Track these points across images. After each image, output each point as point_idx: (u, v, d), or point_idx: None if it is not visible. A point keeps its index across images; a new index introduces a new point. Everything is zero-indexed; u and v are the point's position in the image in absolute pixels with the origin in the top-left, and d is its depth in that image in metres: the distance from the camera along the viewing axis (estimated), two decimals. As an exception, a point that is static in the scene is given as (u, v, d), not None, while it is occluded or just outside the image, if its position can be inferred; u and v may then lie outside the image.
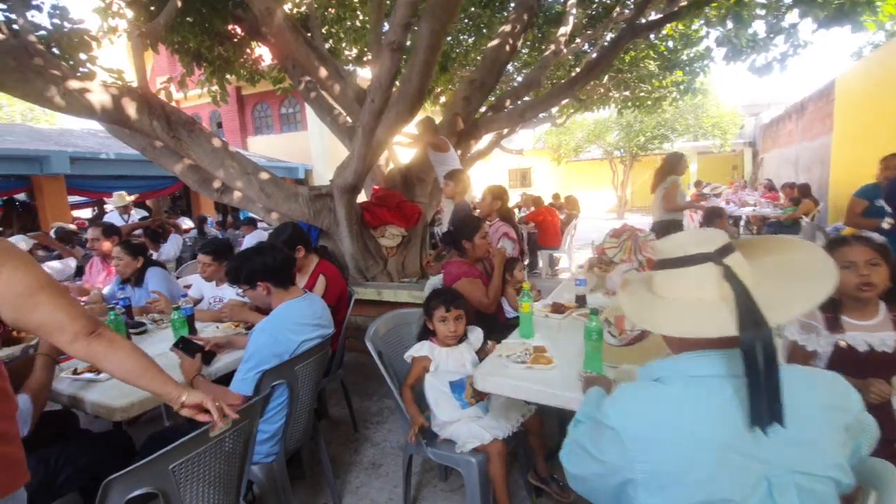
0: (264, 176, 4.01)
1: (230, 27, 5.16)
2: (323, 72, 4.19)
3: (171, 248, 5.15)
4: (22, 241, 4.03)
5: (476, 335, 1.98)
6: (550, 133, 18.11)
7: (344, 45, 6.74)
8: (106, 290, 3.16)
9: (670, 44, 7.81)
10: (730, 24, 5.59)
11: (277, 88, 6.49)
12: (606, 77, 8.41)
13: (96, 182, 8.44)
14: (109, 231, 3.36)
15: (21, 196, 8.26)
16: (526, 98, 6.16)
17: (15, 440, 1.02)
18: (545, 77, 6.57)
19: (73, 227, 6.58)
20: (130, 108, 3.43)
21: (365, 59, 6.58)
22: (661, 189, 4.72)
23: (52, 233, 5.80)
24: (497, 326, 2.48)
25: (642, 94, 9.28)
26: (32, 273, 1.02)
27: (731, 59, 5.89)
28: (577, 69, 7.44)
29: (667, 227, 4.57)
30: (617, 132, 17.00)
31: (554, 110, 9.43)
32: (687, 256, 0.89)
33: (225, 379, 1.86)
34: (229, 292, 2.80)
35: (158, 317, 2.60)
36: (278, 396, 1.71)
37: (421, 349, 1.94)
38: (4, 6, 3.79)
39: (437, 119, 5.06)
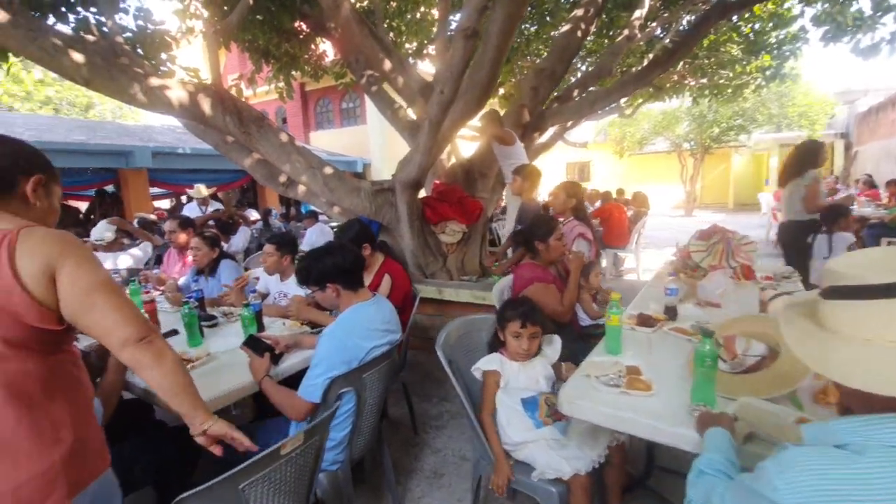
0: (328, 170, 4.02)
1: (297, 24, 5.26)
2: (387, 64, 4.12)
3: (239, 239, 5.35)
4: (106, 229, 4.29)
5: (553, 347, 1.80)
6: (614, 125, 17.25)
7: (404, 38, 6.68)
8: (181, 281, 3.27)
9: (756, 25, 7.08)
10: (827, 3, 4.96)
11: (339, 83, 6.55)
12: (681, 63, 7.79)
13: (175, 175, 9.00)
14: (185, 223, 3.49)
15: (109, 188, 8.97)
16: (592, 88, 5.81)
17: (94, 426, 1.05)
18: (616, 65, 6.17)
19: (153, 216, 7.02)
20: (205, 104, 3.53)
21: (425, 52, 6.49)
22: (799, 186, 3.99)
23: (134, 222, 6.21)
24: (571, 335, 2.28)
25: (722, 81, 8.52)
26: (94, 270, 0.99)
27: (831, 39, 5.23)
28: (650, 56, 6.94)
29: (804, 230, 4.04)
30: (687, 123, 15.86)
31: (622, 100, 8.90)
32: (884, 285, 0.68)
33: (292, 381, 1.81)
34: (293, 288, 2.80)
35: (229, 310, 2.63)
36: (346, 404, 1.64)
37: (490, 362, 1.79)
38: (95, 10, 4.03)
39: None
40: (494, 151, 4.32)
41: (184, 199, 10.26)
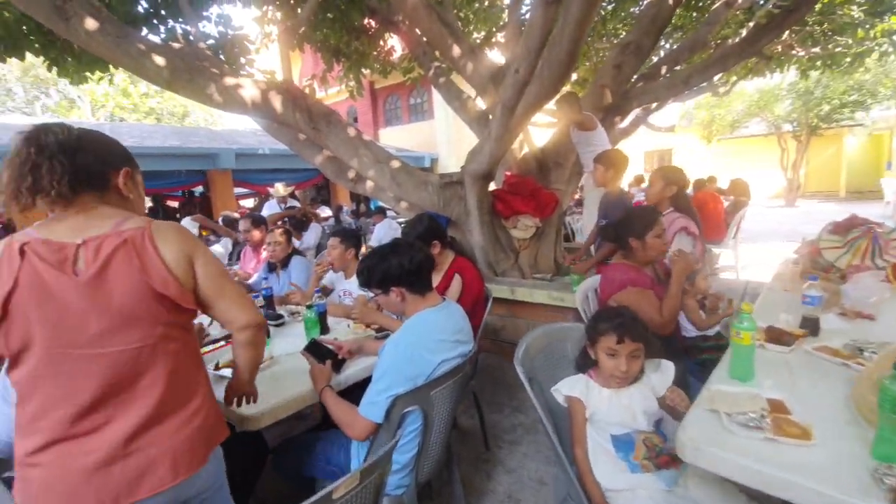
0: (395, 164, 3.89)
1: (366, 21, 5.25)
2: (456, 50, 3.91)
3: (311, 236, 5.44)
4: (191, 226, 4.51)
5: (662, 375, 1.47)
6: (700, 107, 15.71)
7: (472, 27, 6.43)
8: (252, 280, 3.31)
9: (884, -18, 5.96)
10: None
11: (407, 78, 6.47)
12: (787, 32, 6.77)
13: (256, 175, 9.50)
14: (257, 221, 3.53)
15: (198, 189, 9.66)
16: (679, 67, 5.17)
17: (213, 399, 1.18)
18: (710, 36, 5.46)
19: (236, 214, 7.42)
20: (276, 102, 3.55)
21: (494, 40, 6.20)
22: None
23: (219, 220, 6.57)
24: (673, 350, 1.92)
25: (838, 49, 7.32)
26: (217, 261, 1.15)
27: None
28: (750, 24, 6.09)
29: None
30: (790, 101, 14.02)
31: (716, 77, 7.96)
32: None
33: (356, 392, 1.65)
34: (357, 285, 2.69)
35: (295, 309, 2.57)
36: (411, 423, 1.44)
37: (573, 385, 1.50)
38: (182, 20, 4.24)
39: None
40: (572, 138, 3.96)
41: (269, 198, 10.88)
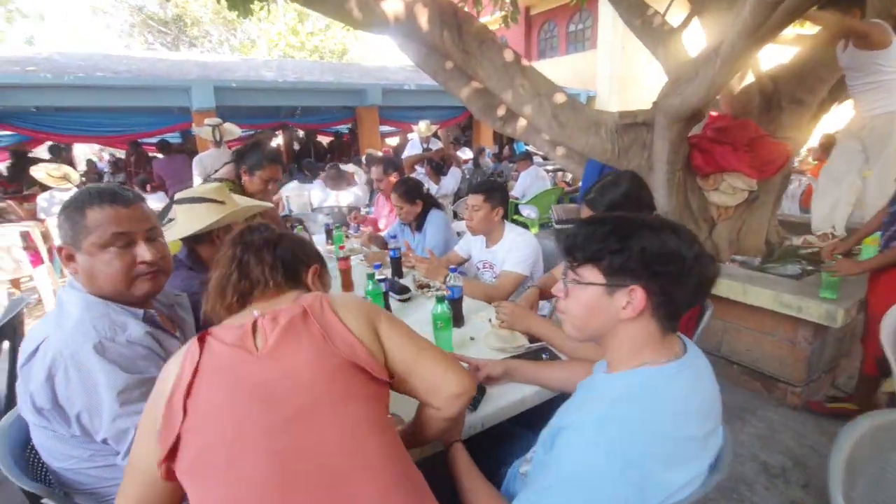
0: (560, 98, 3.04)
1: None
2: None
3: (450, 181, 4.95)
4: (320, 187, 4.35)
5: None
6: None
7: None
8: (386, 232, 2.91)
9: None
10: None
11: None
12: None
13: (401, 112, 9.31)
14: (390, 166, 3.07)
15: (345, 127, 9.84)
16: None
17: None
18: None
19: (380, 153, 7.30)
20: (422, 17, 2.93)
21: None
22: None
23: (363, 158, 6.47)
24: None
25: None
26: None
27: None
28: None
29: None
30: None
31: None
32: None
33: (496, 437, 1.06)
34: (504, 258, 2.04)
35: (426, 281, 2.06)
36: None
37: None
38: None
39: None
40: (841, 60, 2.62)
41: (410, 136, 10.75)
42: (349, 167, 4.75)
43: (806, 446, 2.08)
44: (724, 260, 3.03)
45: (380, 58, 21.39)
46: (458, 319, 1.61)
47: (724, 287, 2.44)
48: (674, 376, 0.76)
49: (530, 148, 9.09)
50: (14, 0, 16.12)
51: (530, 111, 3.11)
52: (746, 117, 3.11)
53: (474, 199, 2.11)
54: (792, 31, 3.17)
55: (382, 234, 2.93)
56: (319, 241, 3.10)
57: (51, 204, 4.80)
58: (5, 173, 7.57)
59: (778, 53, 3.23)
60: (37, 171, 5.19)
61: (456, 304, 1.58)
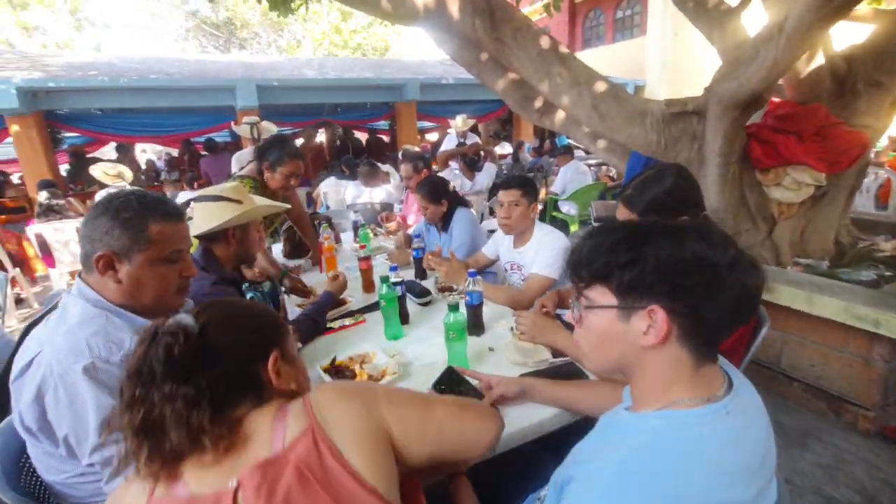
0: (600, 87, 2.84)
1: None
2: None
3: (484, 177, 4.80)
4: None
5: None
6: None
7: None
8: (413, 230, 2.82)
9: None
10: None
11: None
12: None
13: (439, 107, 9.20)
14: (420, 165, 2.96)
15: (381, 123, 9.83)
16: None
17: None
18: None
19: (417, 149, 7.24)
20: (452, 5, 2.81)
21: None
22: None
23: (400, 154, 6.42)
24: None
25: None
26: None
27: None
28: None
29: None
30: None
31: None
32: None
33: (505, 463, 0.94)
34: (533, 260, 1.90)
35: (446, 282, 1.94)
36: None
37: None
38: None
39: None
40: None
41: (449, 131, 10.63)
42: (385, 167, 4.71)
43: (879, 479, 1.81)
44: (785, 263, 2.73)
45: (420, 53, 21.42)
46: (477, 328, 1.49)
47: (786, 295, 2.17)
48: (712, 422, 0.61)
49: (572, 141, 8.78)
50: (82, 10, 17.36)
51: (568, 102, 2.92)
52: (817, 102, 2.78)
53: (511, 195, 1.93)
54: (868, 6, 2.80)
55: (409, 231, 2.85)
56: (348, 239, 3.06)
57: (107, 201, 5.09)
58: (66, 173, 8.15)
59: (852, 32, 2.85)
60: (94, 170, 5.51)
61: (475, 311, 1.46)
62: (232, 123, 4.88)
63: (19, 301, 4.66)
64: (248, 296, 2.02)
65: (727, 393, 0.64)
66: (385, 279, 1.49)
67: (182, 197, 4.80)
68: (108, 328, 0.96)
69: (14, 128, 5.94)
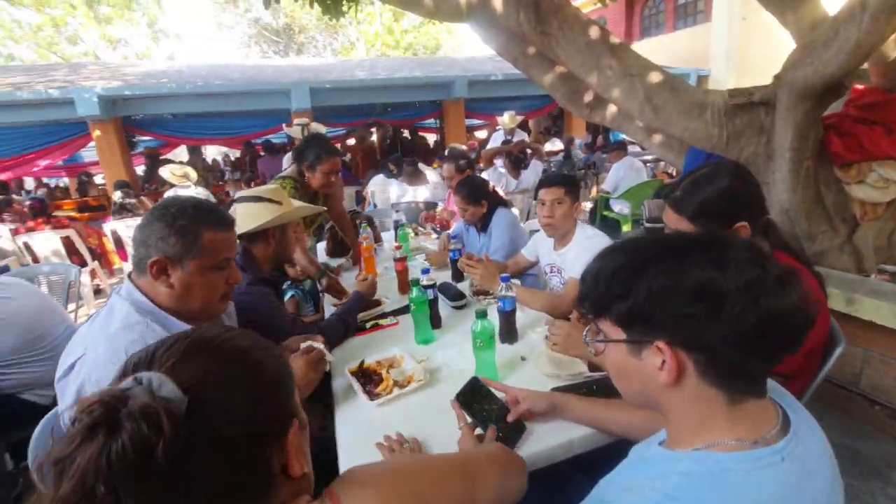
0: (655, 78, 2.65)
1: None
2: None
3: (530, 176, 4.66)
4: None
5: None
6: None
7: None
8: (454, 229, 2.78)
9: None
10: None
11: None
12: None
13: (487, 104, 9.10)
14: (463, 166, 2.90)
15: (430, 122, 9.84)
16: None
17: None
18: None
19: (464, 147, 7.20)
20: (496, 1, 2.73)
21: None
22: None
23: (446, 152, 6.41)
24: None
25: None
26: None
27: None
28: None
29: None
30: None
31: None
32: None
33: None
34: (570, 259, 1.80)
35: (481, 285, 1.89)
36: None
37: None
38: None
39: None
40: None
41: (498, 128, 10.49)
42: (424, 168, 4.71)
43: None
44: (868, 271, 2.44)
45: (470, 50, 21.32)
46: (510, 335, 1.42)
47: (868, 307, 1.93)
48: (760, 470, 0.51)
49: (626, 137, 8.37)
50: (158, 22, 18.79)
51: (619, 94, 2.76)
52: (910, 89, 2.45)
53: (554, 193, 1.83)
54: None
55: (450, 232, 2.81)
56: (389, 238, 3.07)
57: (173, 200, 5.46)
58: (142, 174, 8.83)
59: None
60: (164, 171, 5.93)
61: (508, 317, 1.39)
62: (284, 125, 5.07)
63: (98, 292, 5.11)
64: (289, 294, 2.07)
65: (782, 434, 0.55)
66: (415, 282, 1.46)
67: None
68: (147, 337, 0.96)
69: (96, 133, 6.51)
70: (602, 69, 2.73)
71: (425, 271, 1.58)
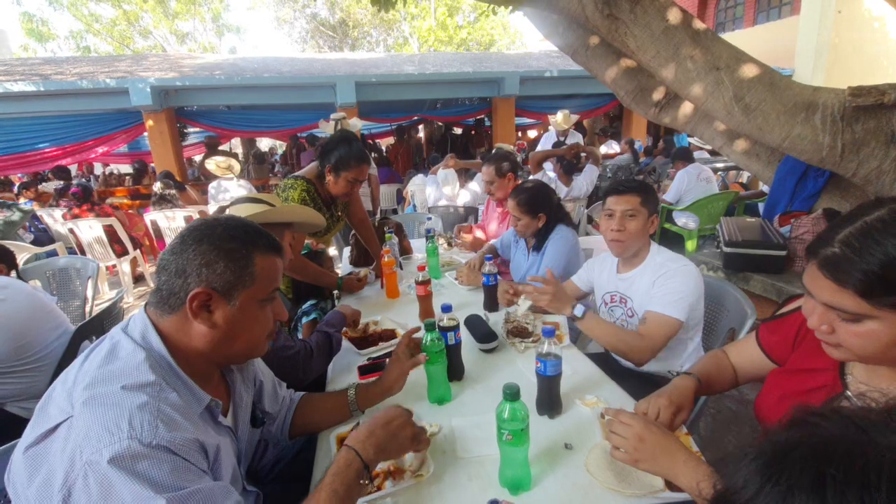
0: (749, 72, 2.18)
1: None
2: None
3: (583, 182, 4.20)
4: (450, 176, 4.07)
5: None
6: None
7: None
8: (498, 240, 2.42)
9: None
10: None
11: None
12: None
13: (539, 102, 8.61)
14: (504, 169, 2.51)
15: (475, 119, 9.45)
16: None
17: None
18: None
19: (510, 147, 6.78)
20: (556, -23, 2.34)
21: None
22: None
23: (492, 151, 6.02)
24: None
25: None
26: None
27: None
28: None
29: None
30: None
31: None
32: None
33: None
34: (642, 286, 1.40)
35: (522, 321, 1.52)
36: None
37: None
38: None
39: None
40: None
41: (550, 128, 9.94)
42: (447, 171, 4.37)
43: None
44: None
45: (523, 47, 20.66)
46: (551, 408, 1.04)
47: None
48: None
49: (694, 141, 7.61)
50: (221, 18, 19.52)
51: (701, 91, 2.30)
52: None
53: (628, 202, 1.43)
54: None
55: (494, 241, 2.43)
56: (420, 248, 2.76)
57: (217, 191, 5.42)
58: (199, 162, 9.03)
59: None
60: (209, 163, 5.93)
61: (550, 384, 1.02)
62: (321, 121, 4.88)
63: (139, 279, 5.16)
64: (312, 315, 1.83)
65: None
66: (429, 325, 1.11)
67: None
68: (160, 407, 0.70)
69: (149, 122, 6.65)
70: (681, 60, 2.28)
71: (446, 308, 1.23)
